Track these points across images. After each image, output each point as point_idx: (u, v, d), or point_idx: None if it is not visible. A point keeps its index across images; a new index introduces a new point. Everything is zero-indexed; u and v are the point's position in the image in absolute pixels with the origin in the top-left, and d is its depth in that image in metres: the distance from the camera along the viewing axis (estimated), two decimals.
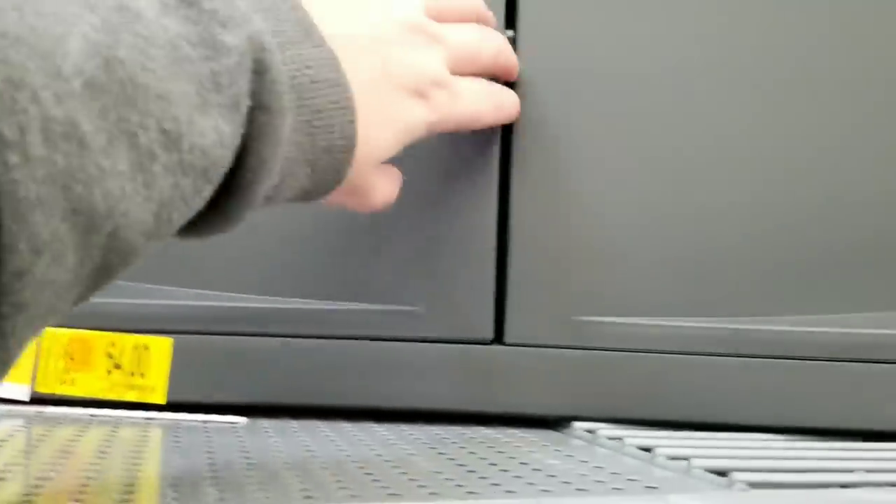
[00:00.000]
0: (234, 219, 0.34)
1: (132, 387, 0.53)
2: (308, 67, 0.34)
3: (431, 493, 0.35)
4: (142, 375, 0.53)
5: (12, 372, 0.43)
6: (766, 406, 0.52)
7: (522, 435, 0.51)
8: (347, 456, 0.43)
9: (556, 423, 0.54)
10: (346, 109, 0.36)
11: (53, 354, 0.53)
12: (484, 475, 0.39)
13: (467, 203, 0.54)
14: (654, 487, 0.37)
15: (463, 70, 0.46)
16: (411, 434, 0.50)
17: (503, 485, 0.37)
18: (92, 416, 0.52)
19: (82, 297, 0.28)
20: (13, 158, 0.22)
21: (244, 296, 0.54)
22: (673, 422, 0.52)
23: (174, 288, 0.54)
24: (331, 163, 0.37)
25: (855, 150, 0.54)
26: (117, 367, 0.53)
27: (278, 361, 0.53)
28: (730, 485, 0.38)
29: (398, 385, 0.53)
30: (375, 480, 0.37)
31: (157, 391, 0.53)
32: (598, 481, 0.38)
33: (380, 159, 0.42)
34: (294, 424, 0.52)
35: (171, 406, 0.53)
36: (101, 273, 0.28)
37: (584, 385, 0.53)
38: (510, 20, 0.54)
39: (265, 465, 0.40)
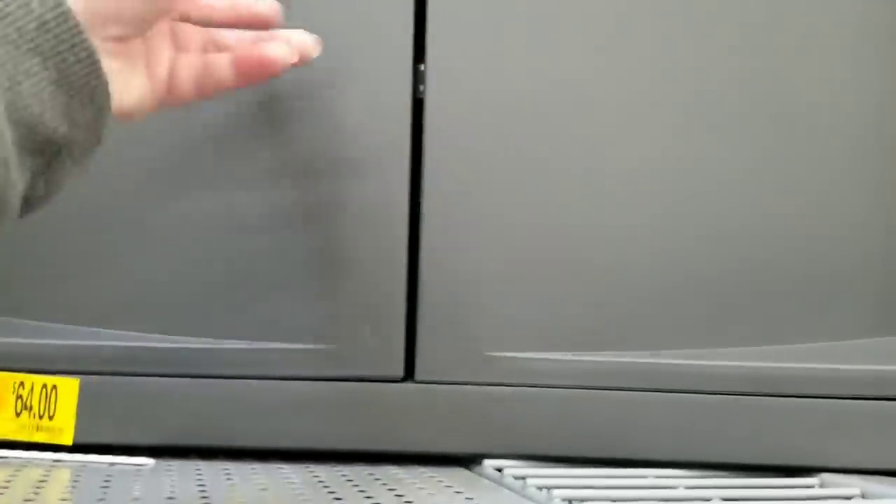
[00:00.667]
0: None
1: (40, 428, 0.53)
2: None
3: None
4: (50, 417, 0.53)
5: None
6: (673, 441, 0.52)
7: (431, 475, 0.51)
8: (241, 499, 0.43)
9: (468, 460, 0.54)
10: None
11: None
12: None
13: (378, 243, 0.54)
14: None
15: None
16: (315, 476, 0.50)
17: None
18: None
19: None
20: None
21: (152, 335, 0.54)
22: (579, 458, 0.52)
23: (81, 328, 0.54)
24: None
25: (761, 196, 0.54)
26: (26, 408, 0.53)
27: (187, 402, 0.53)
28: None
29: (308, 425, 0.53)
30: None
31: (65, 432, 0.53)
32: None
33: None
34: (201, 465, 0.52)
35: (79, 447, 0.53)
36: None
37: (495, 422, 0.53)
38: (419, 53, 0.54)
39: None
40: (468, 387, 0.53)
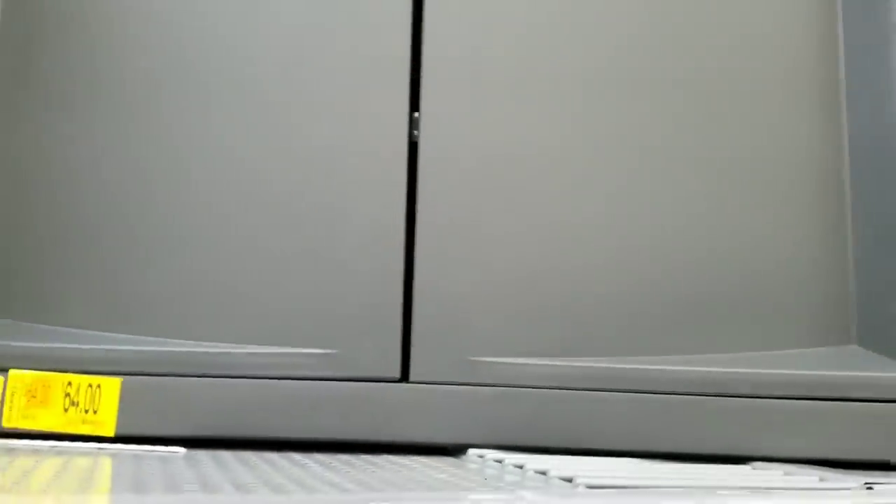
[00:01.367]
0: None
1: (86, 422, 0.61)
2: None
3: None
4: (94, 412, 0.61)
5: None
6: (630, 433, 0.61)
7: (424, 460, 0.59)
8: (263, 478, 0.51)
9: (455, 450, 0.63)
10: None
11: (17, 393, 0.61)
12: (384, 485, 0.47)
13: (378, 263, 0.63)
14: (514, 488, 0.46)
15: None
16: (323, 462, 0.58)
17: (399, 484, 0.45)
18: (51, 447, 0.60)
19: None
20: None
21: (182, 341, 0.62)
22: (552, 448, 0.61)
23: (121, 335, 0.62)
24: None
25: (707, 232, 0.64)
26: (73, 404, 0.61)
27: (213, 399, 0.62)
28: (574, 486, 0.46)
29: (317, 419, 0.62)
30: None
31: (108, 425, 0.61)
32: (475, 486, 0.47)
33: None
34: (224, 453, 0.60)
35: (120, 438, 0.61)
36: None
37: (478, 417, 0.62)
38: (414, 103, 0.64)
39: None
40: (455, 387, 0.62)
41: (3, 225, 0.65)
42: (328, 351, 0.62)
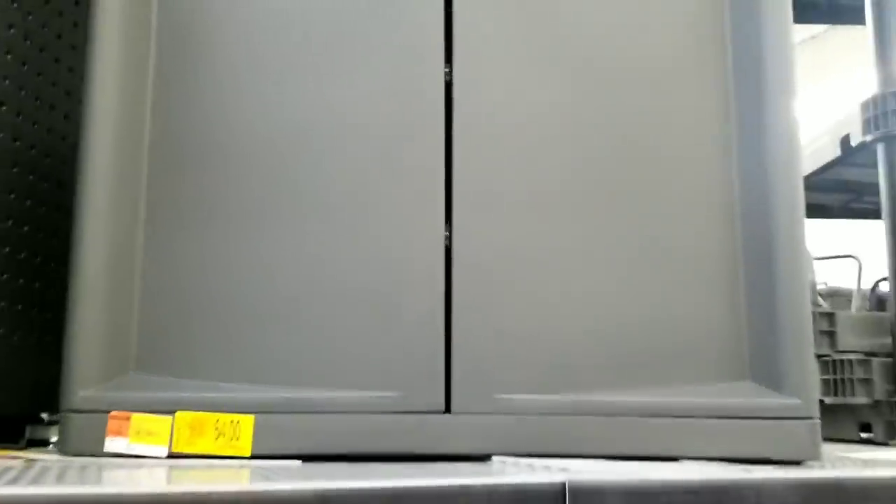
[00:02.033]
0: None
1: (230, 447, 0.89)
2: None
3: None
4: (237, 439, 0.89)
5: (156, 438, 0.81)
6: (601, 443, 0.91)
7: (459, 464, 0.88)
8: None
9: (483, 458, 0.92)
10: None
11: (181, 428, 0.88)
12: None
13: (426, 334, 0.92)
14: (502, 471, 0.75)
15: None
16: (394, 467, 0.86)
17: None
18: (206, 464, 0.87)
19: None
20: None
21: (295, 389, 0.90)
22: (549, 454, 0.90)
23: (251, 385, 0.90)
24: None
25: (641, 295, 0.95)
26: (221, 434, 0.89)
27: (314, 430, 0.89)
28: (550, 470, 0.76)
29: (386, 440, 0.90)
30: None
31: (245, 449, 0.89)
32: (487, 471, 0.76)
33: None
34: (325, 465, 0.88)
35: (254, 457, 0.88)
36: None
37: (499, 435, 0.91)
38: (448, 216, 0.94)
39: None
40: (483, 416, 0.91)
41: (166, 312, 0.93)
42: (391, 393, 0.91)
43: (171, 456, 0.88)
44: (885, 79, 1.65)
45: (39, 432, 1.15)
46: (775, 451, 0.92)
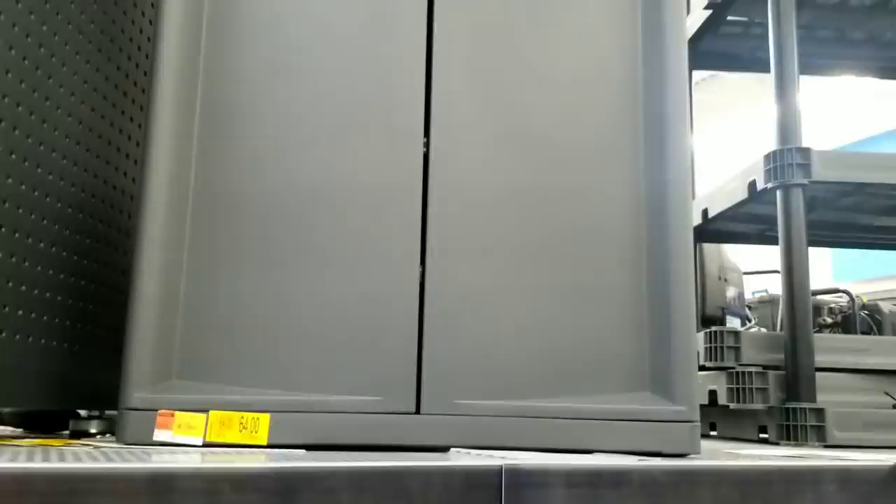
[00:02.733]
0: None
1: (251, 438, 1.15)
2: None
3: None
4: (255, 432, 1.15)
5: (194, 431, 1.09)
6: (537, 439, 1.20)
7: (426, 453, 1.16)
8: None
9: (445, 449, 1.20)
10: None
11: (213, 423, 1.15)
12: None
13: (400, 358, 1.20)
14: (456, 458, 1.03)
15: None
16: (369, 455, 1.14)
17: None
18: (236, 451, 1.14)
19: None
20: None
21: (301, 393, 1.17)
22: (495, 447, 1.19)
23: (268, 390, 1.17)
24: None
25: (563, 321, 1.24)
26: (244, 428, 1.15)
27: (318, 425, 1.17)
28: (493, 458, 1.04)
29: (372, 433, 1.17)
30: None
31: (263, 439, 1.16)
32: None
33: None
34: (322, 452, 1.15)
35: (270, 446, 1.15)
36: None
37: (458, 431, 1.19)
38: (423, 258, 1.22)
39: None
40: (446, 416, 1.19)
41: (202, 332, 1.19)
42: (374, 398, 1.18)
43: (205, 445, 1.15)
44: (783, 134, 1.97)
45: (80, 425, 1.40)
46: (665, 446, 1.22)
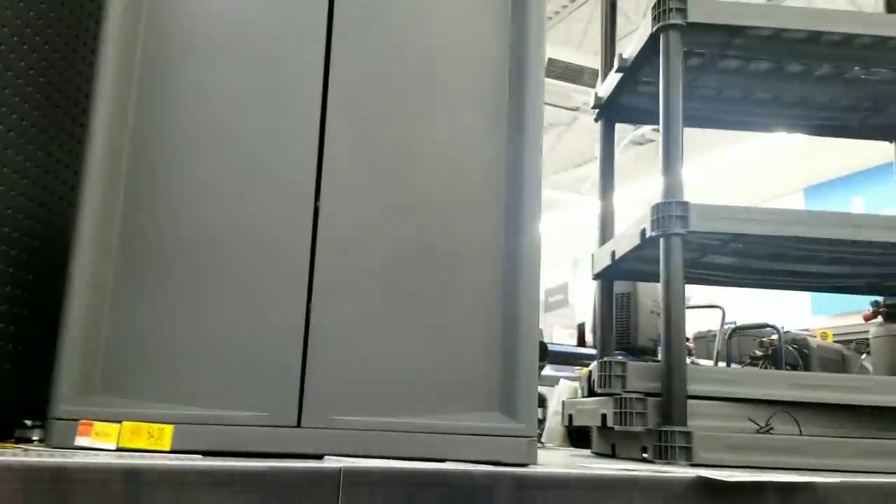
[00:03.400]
0: None
1: (157, 445, 1.39)
2: None
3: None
4: (160, 440, 1.39)
5: (109, 438, 1.35)
6: (399, 449, 1.44)
7: (303, 459, 1.40)
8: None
9: (319, 457, 1.43)
10: None
11: (125, 432, 1.39)
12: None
13: (284, 383, 1.44)
14: (321, 463, 1.27)
15: None
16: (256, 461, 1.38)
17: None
18: (141, 454, 1.37)
19: None
20: None
21: (199, 408, 1.41)
22: (363, 455, 1.42)
23: (169, 405, 1.41)
24: None
25: (428, 353, 1.49)
26: (151, 436, 1.39)
27: (215, 434, 1.40)
28: (340, 461, 1.28)
29: (259, 441, 1.41)
30: None
31: (166, 445, 1.39)
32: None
33: None
34: (220, 460, 1.39)
35: (171, 451, 1.39)
36: None
37: (333, 442, 1.43)
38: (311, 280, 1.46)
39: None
40: (322, 430, 1.43)
41: (120, 356, 1.43)
42: (263, 413, 1.42)
43: (117, 450, 1.38)
44: (667, 188, 2.23)
45: (25, 433, 1.64)
46: (507, 457, 1.46)
